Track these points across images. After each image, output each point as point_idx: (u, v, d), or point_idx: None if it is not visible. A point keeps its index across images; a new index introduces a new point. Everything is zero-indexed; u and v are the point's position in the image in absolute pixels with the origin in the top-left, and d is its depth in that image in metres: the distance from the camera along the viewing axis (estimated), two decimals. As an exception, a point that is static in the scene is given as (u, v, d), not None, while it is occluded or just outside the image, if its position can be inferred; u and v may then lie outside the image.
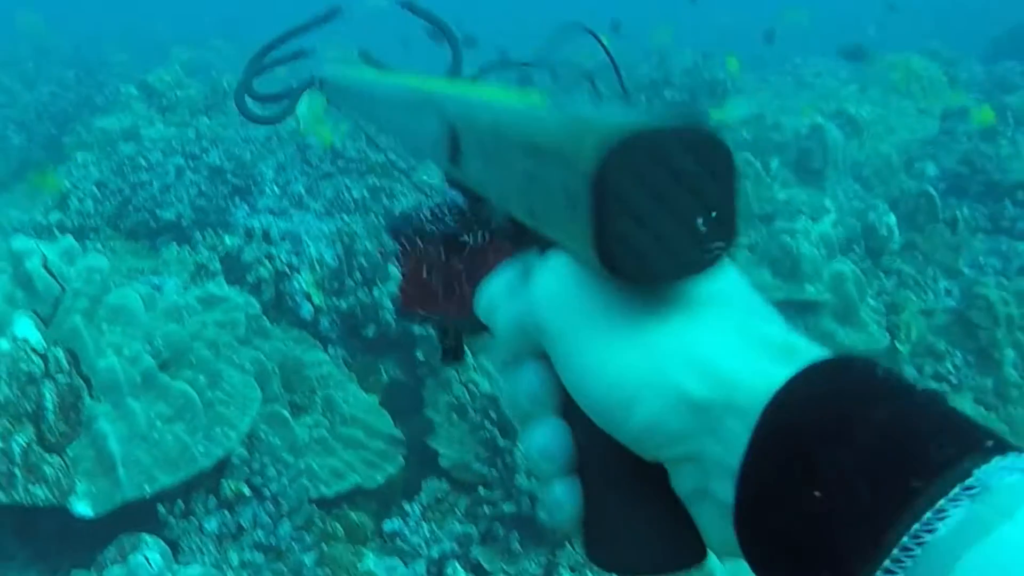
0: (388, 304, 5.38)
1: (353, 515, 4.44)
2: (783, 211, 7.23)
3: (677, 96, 9.89)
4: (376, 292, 5.40)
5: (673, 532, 0.61)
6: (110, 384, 3.72)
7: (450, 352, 1.07)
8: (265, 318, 5.00)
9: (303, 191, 8.06)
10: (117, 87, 10.87)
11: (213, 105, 9.73)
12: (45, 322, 3.87)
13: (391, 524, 4.36)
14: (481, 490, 4.29)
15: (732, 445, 0.52)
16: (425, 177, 7.86)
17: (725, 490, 0.53)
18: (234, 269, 5.62)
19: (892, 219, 6.92)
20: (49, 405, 3.63)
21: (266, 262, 5.51)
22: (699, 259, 0.55)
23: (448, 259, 0.98)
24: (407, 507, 4.47)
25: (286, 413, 4.37)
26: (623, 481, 0.62)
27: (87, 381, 3.78)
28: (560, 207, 0.59)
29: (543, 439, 0.65)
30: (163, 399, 3.79)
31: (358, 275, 5.50)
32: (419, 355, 5.39)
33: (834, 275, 5.83)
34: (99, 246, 6.72)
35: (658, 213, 0.54)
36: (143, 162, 7.47)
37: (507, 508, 4.18)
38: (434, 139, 0.97)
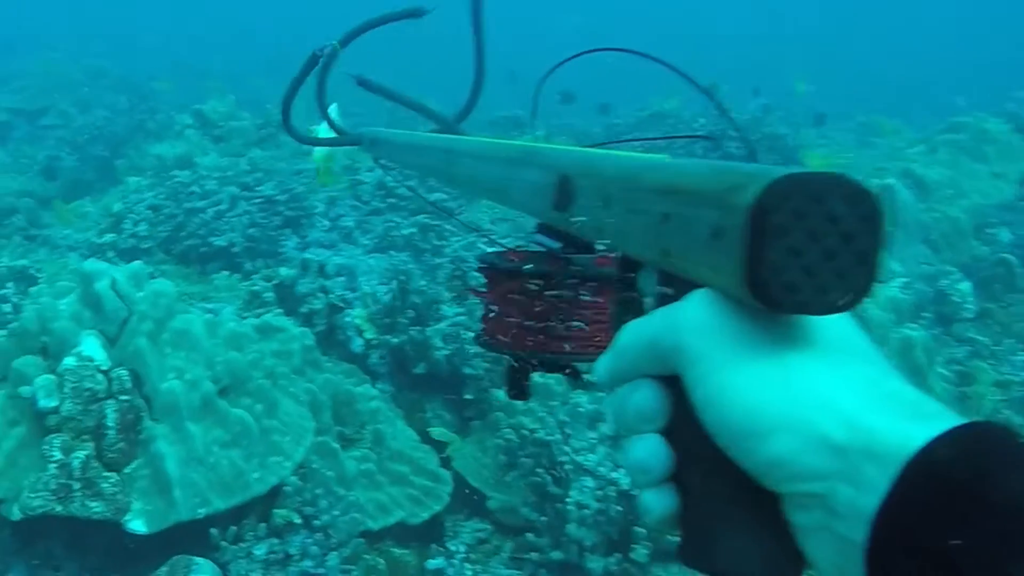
0: (439, 343, 5.38)
1: (396, 550, 4.42)
2: None
3: (740, 151, 9.84)
4: (428, 331, 5.40)
5: (769, 545, 0.64)
6: (170, 406, 3.73)
7: (517, 388, 1.15)
8: (318, 350, 5.00)
9: (353, 225, 8.10)
10: (171, 115, 11.01)
11: (266, 137, 9.82)
12: (111, 342, 3.90)
13: (434, 562, 4.33)
14: (529, 536, 4.25)
15: (868, 490, 0.55)
16: (472, 218, 7.88)
17: (853, 530, 0.56)
18: (288, 299, 5.64)
19: (966, 286, 6.73)
20: (110, 423, 3.65)
21: (320, 295, 5.53)
22: (841, 298, 0.60)
23: (539, 297, 1.07)
24: (451, 546, 4.45)
25: (336, 445, 4.37)
26: (724, 495, 0.65)
27: (148, 402, 3.79)
28: (703, 243, 0.64)
29: (643, 453, 0.69)
30: (221, 424, 3.80)
31: (411, 313, 5.50)
32: (468, 395, 5.39)
33: (903, 340, 5.56)
34: (150, 269, 6.77)
35: (811, 249, 0.59)
36: (198, 189, 7.52)
37: (554, 556, 4.14)
38: (534, 189, 1.04)
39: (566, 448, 4.35)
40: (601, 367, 0.75)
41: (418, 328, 5.45)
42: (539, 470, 4.32)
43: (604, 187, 0.84)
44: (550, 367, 1.10)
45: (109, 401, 3.68)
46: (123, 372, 3.76)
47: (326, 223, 8.03)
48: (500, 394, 5.20)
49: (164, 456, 3.63)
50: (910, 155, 10.69)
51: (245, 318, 5.48)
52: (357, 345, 5.46)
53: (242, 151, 9.32)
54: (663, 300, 0.73)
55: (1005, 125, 10.84)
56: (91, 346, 3.78)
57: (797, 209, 0.59)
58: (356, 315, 5.54)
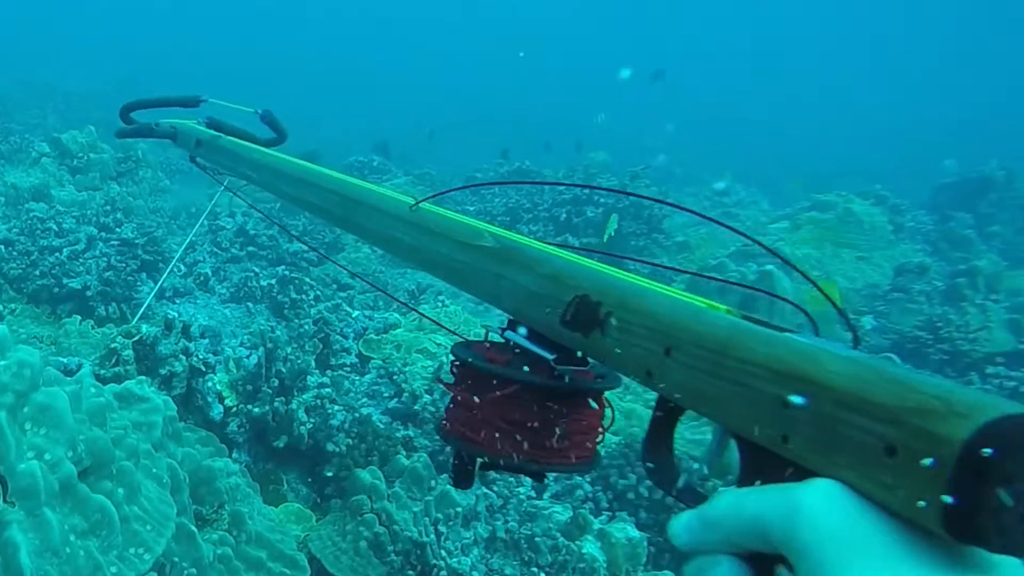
0: (303, 416, 5.15)
1: (249, 642, 4.17)
2: None
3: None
4: (293, 403, 5.16)
5: None
6: (28, 490, 3.42)
7: (463, 477, 1.16)
8: (179, 421, 4.71)
9: (209, 272, 7.78)
10: (27, 139, 10.43)
11: (125, 172, 9.39)
12: (-35, 416, 3.56)
13: (288, 657, 4.10)
14: (391, 636, 4.08)
15: None
16: (331, 270, 7.63)
17: None
18: (147, 358, 5.32)
19: None
20: (-41, 507, 3.31)
21: (182, 358, 5.23)
22: None
23: (525, 407, 1.04)
24: (307, 640, 4.23)
25: (193, 527, 4.10)
26: None
27: (3, 484, 3.46)
28: (866, 455, 0.60)
29: None
30: (80, 511, 3.51)
31: (275, 382, 5.26)
32: (328, 472, 5.17)
33: None
34: (15, 336, 6.34)
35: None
36: (54, 226, 7.10)
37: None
38: (529, 295, 1.05)
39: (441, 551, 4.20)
40: (683, 531, 0.71)
41: (282, 399, 5.21)
42: (410, 573, 4.14)
43: (667, 335, 0.81)
44: (517, 470, 1.07)
45: (-41, 481, 3.35)
46: (-23, 450, 3.43)
47: (182, 268, 7.69)
48: (363, 475, 5.00)
49: (18, 546, 3.31)
50: (773, 231, 10.78)
51: (105, 381, 5.16)
52: (216, 412, 5.19)
53: (99, 185, 8.89)
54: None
55: (873, 207, 11.03)
56: (-58, 420, 3.44)
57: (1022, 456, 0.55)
58: (218, 380, 5.27)
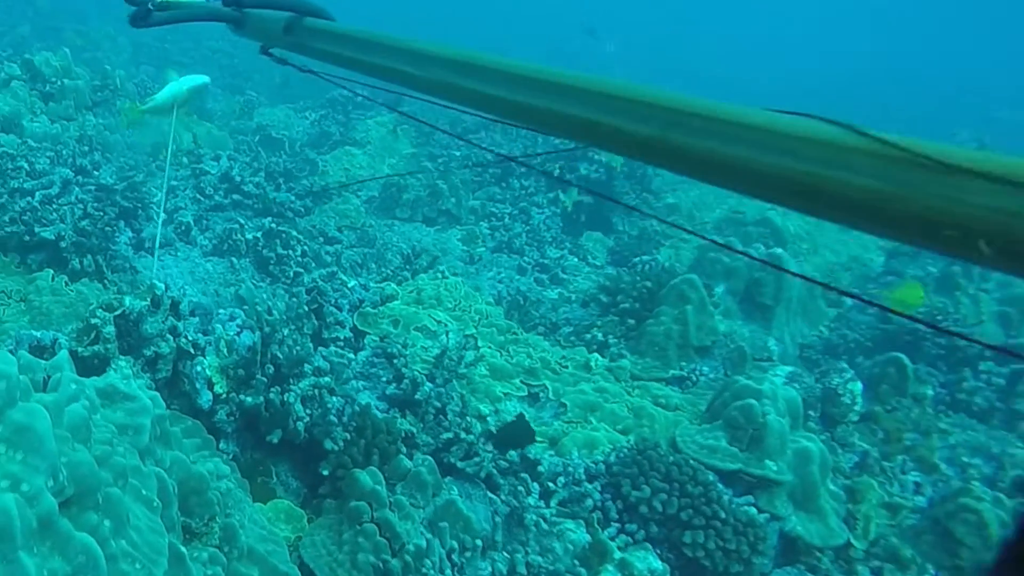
0: (300, 410, 4.64)
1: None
2: (722, 344, 6.63)
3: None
4: (290, 396, 4.64)
5: None
6: (2, 531, 2.89)
7: None
8: (167, 420, 4.18)
9: (191, 222, 7.18)
10: (-6, 54, 9.65)
11: (101, 101, 8.67)
12: (-70, 440, 3.01)
13: None
14: None
15: None
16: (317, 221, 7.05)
17: None
18: (130, 335, 4.76)
19: (858, 387, 6.26)
20: (-79, 552, 2.79)
21: (169, 338, 4.68)
22: None
23: None
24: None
25: (183, 549, 3.61)
26: None
27: (-28, 521, 2.93)
28: None
29: None
30: (61, 552, 3.00)
31: (271, 368, 4.72)
32: (324, 471, 4.67)
33: (799, 453, 5.07)
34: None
35: None
36: (25, 165, 6.45)
37: None
38: None
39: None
40: None
41: (277, 389, 4.68)
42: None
43: None
44: None
45: (-79, 520, 2.82)
46: (-57, 481, 2.90)
47: (162, 215, 7.08)
48: (363, 477, 4.52)
49: (-13, 599, 2.81)
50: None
51: (82, 360, 4.59)
52: (205, 400, 4.65)
53: (74, 115, 8.18)
54: None
55: None
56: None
57: None
58: (208, 364, 4.72)
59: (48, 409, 3.26)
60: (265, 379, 4.68)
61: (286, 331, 4.89)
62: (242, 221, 7.24)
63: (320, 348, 5.38)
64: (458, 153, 10.47)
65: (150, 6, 2.83)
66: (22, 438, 3.10)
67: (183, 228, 7.07)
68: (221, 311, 5.04)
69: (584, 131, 1.37)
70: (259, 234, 7.08)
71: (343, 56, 2.04)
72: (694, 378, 6.45)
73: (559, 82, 1.42)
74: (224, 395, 4.71)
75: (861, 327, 7.62)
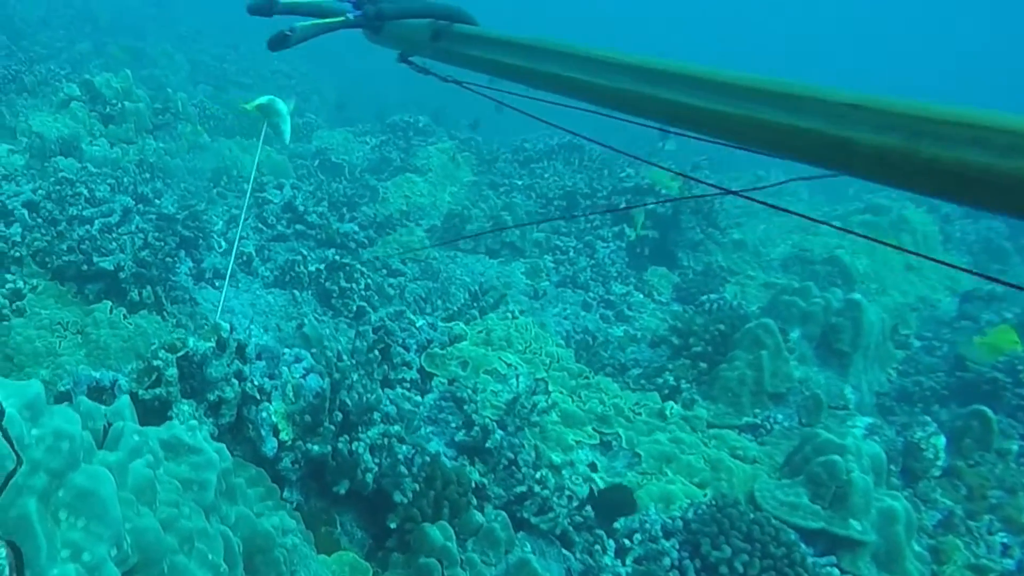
0: (368, 460, 4.38)
1: None
2: (796, 391, 6.31)
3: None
4: (359, 445, 4.38)
5: None
6: (60, 606, 2.64)
7: None
8: (232, 473, 3.93)
9: (253, 252, 6.97)
10: (53, 71, 9.48)
11: (162, 125, 8.50)
12: (-13, 505, 2.77)
13: None
14: None
15: None
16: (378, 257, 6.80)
17: None
18: (193, 378, 4.52)
19: (941, 441, 5.92)
20: (-27, 630, 2.55)
21: (235, 382, 4.44)
22: None
23: None
24: None
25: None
26: None
27: (29, 595, 2.69)
28: None
29: None
30: (123, 633, 2.74)
31: (339, 416, 4.47)
32: (391, 524, 4.41)
33: (884, 512, 4.79)
34: (20, 283, 5.54)
35: None
36: (85, 192, 6.27)
37: None
38: None
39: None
40: None
41: (345, 438, 4.43)
42: None
43: None
44: None
45: (-26, 593, 2.58)
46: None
47: (223, 244, 6.88)
48: (433, 532, 4.26)
49: None
50: (826, 231, 10.00)
51: (142, 403, 4.36)
52: (270, 447, 4.41)
53: (134, 138, 8.01)
54: None
55: (927, 215, 10.45)
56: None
57: None
58: (274, 410, 4.47)
59: (112, 470, 3.02)
60: (333, 427, 4.43)
61: (355, 376, 4.63)
62: (304, 252, 7.02)
63: (387, 390, 5.14)
64: (520, 183, 10.24)
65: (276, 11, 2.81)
66: (85, 504, 2.85)
67: (244, 258, 6.86)
68: (286, 351, 4.80)
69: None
70: (322, 266, 6.86)
71: (509, 65, 1.77)
72: (768, 426, 6.15)
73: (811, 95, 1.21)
74: (289, 442, 4.46)
75: (936, 374, 7.26)
